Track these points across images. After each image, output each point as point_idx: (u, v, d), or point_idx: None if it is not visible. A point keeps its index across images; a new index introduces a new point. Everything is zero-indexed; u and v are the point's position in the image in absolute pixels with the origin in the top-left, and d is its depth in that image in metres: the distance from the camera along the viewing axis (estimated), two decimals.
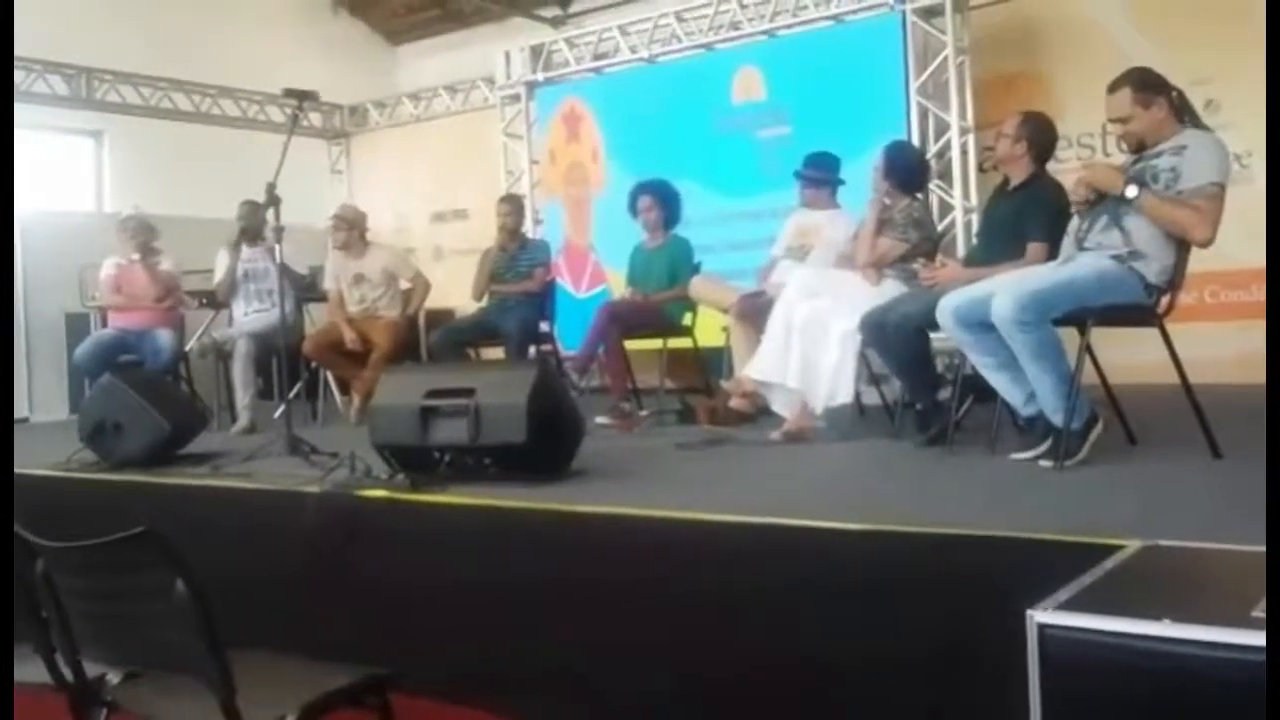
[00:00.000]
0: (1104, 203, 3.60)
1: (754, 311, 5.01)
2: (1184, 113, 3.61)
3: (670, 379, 6.30)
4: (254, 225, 6.46)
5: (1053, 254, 3.87)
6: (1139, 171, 3.59)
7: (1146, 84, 3.58)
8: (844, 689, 2.51)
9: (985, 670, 2.14)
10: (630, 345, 5.95)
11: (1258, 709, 1.45)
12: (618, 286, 7.16)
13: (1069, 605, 1.67)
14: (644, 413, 5.61)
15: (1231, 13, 5.98)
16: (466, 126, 9.81)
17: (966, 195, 6.83)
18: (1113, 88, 3.63)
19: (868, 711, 2.49)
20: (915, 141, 6.62)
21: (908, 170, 4.86)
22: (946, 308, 3.68)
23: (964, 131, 6.85)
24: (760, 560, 2.73)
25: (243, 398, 6.13)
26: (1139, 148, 3.63)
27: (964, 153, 6.87)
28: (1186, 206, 3.47)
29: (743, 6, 7.74)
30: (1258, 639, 1.47)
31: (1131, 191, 3.48)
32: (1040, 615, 1.63)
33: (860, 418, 4.96)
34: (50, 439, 5.40)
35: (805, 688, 2.57)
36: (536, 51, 8.82)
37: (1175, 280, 3.59)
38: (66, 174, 9.41)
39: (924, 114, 6.94)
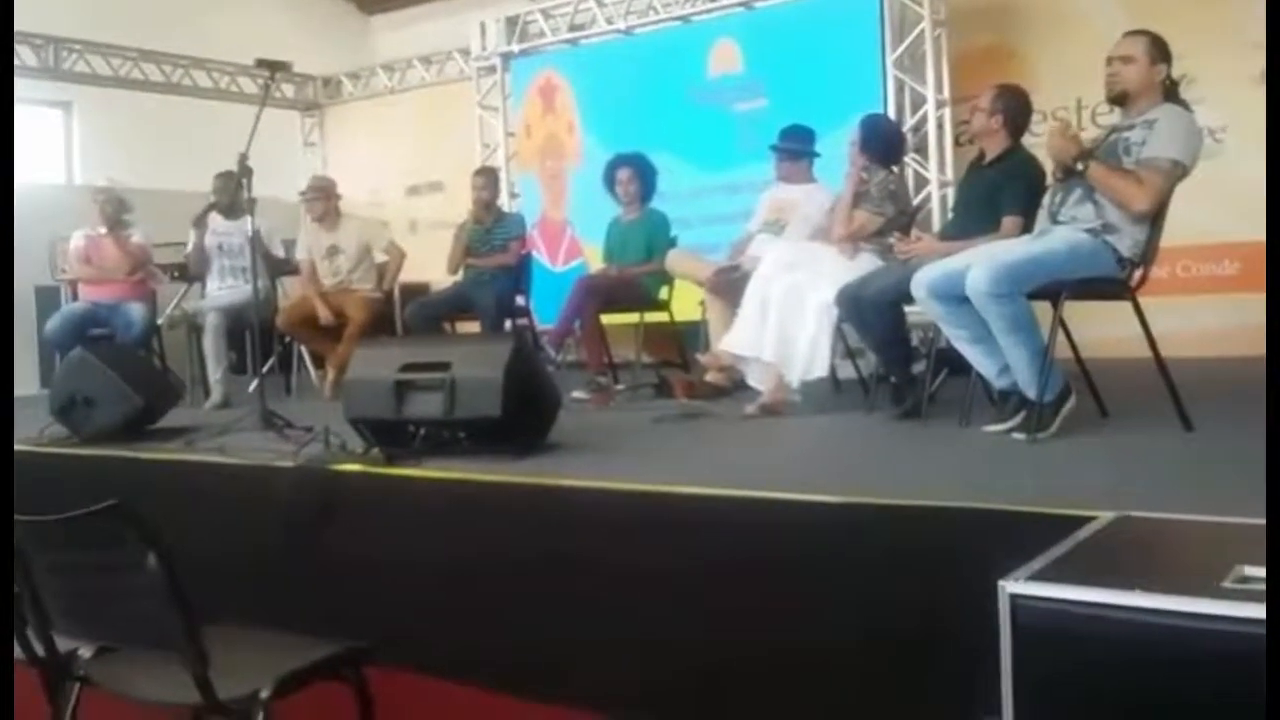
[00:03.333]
0: (1077, 175, 3.61)
1: (728, 286, 5.00)
2: (1171, 95, 3.62)
3: (647, 353, 6.30)
4: (227, 198, 6.37)
5: (1027, 227, 3.88)
6: (1111, 144, 3.60)
7: (1160, 48, 3.61)
8: (817, 660, 2.53)
9: (958, 640, 2.16)
10: (607, 319, 5.94)
11: (1228, 678, 1.47)
12: (594, 260, 7.14)
13: (1041, 575, 1.68)
14: (620, 387, 5.60)
15: None
16: (441, 98, 9.73)
17: (942, 169, 6.85)
18: (1132, 32, 3.67)
19: (840, 682, 2.51)
20: (892, 115, 6.62)
21: (884, 143, 4.85)
22: (921, 281, 3.69)
23: (940, 105, 6.86)
24: (736, 533, 2.74)
25: (215, 372, 6.08)
26: (1120, 99, 3.65)
27: (940, 126, 6.89)
28: (1130, 177, 3.48)
29: None
30: (1229, 609, 1.48)
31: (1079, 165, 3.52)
32: (1012, 585, 1.64)
33: (836, 391, 4.98)
34: (21, 413, 5.31)
35: (779, 658, 2.58)
36: (512, 23, 8.75)
37: (1148, 254, 3.60)
38: (35, 145, 9.27)
39: (900, 87, 6.93)
